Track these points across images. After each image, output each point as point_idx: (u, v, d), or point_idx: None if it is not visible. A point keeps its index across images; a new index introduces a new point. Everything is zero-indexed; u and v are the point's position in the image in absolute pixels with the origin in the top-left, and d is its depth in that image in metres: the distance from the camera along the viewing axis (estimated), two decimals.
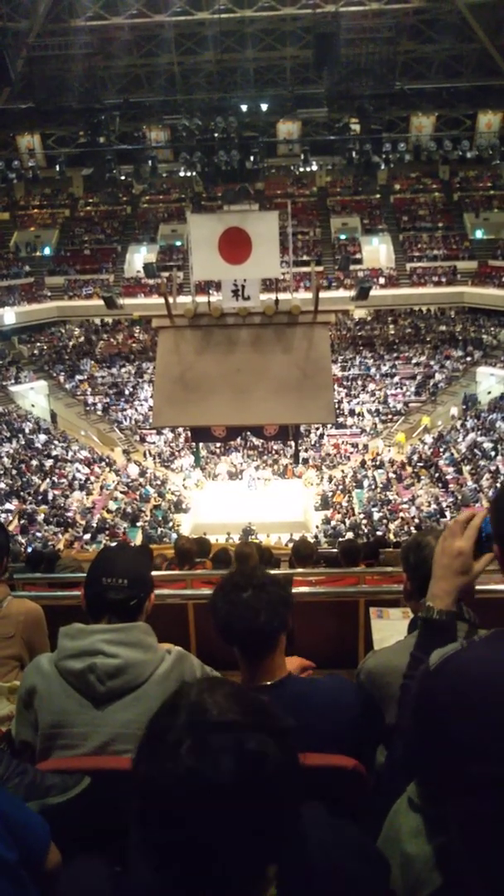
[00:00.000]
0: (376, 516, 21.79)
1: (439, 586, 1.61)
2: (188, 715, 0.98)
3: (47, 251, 36.18)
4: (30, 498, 22.89)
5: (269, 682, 1.99)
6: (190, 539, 8.12)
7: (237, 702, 1.00)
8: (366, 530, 20.50)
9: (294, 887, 1.03)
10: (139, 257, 35.56)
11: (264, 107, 28.99)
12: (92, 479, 25.46)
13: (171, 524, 22.65)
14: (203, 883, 0.93)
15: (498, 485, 21.85)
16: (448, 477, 23.58)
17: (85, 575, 2.25)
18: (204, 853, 0.91)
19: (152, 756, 0.96)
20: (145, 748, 0.99)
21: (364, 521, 21.61)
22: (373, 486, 24.29)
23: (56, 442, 27.39)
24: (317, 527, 22.21)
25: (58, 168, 28.42)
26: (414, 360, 31.61)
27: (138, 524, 22.32)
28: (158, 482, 25.96)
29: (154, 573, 5.59)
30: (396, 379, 30.88)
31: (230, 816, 0.91)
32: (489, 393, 28.15)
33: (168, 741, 0.95)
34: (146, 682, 1.96)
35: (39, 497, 23.11)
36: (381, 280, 32.74)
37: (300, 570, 5.97)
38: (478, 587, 1.70)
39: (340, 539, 16.94)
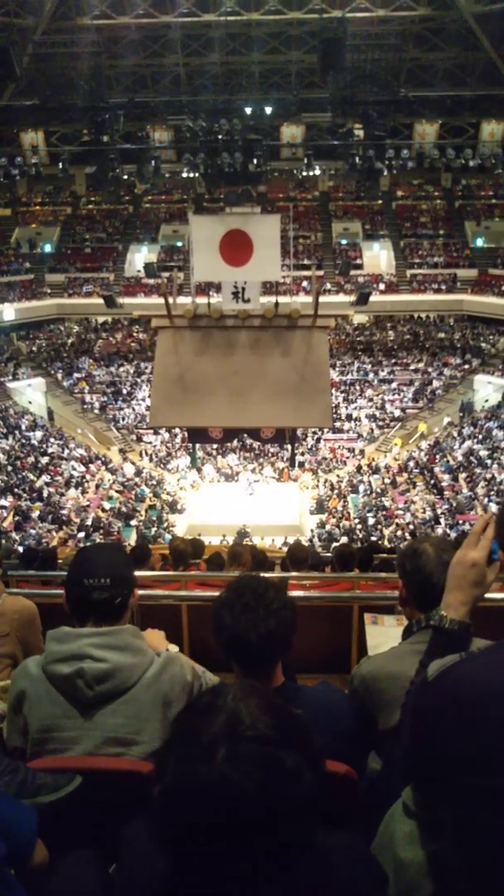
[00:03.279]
0: (371, 522, 21.80)
1: (454, 596, 1.60)
2: (226, 722, 0.98)
3: (48, 248, 36.15)
4: (25, 495, 22.85)
5: None
6: (185, 540, 8.12)
7: (272, 715, 1.01)
8: (360, 535, 20.51)
9: None
10: (140, 257, 35.55)
11: (269, 110, 28.99)
12: (87, 477, 25.43)
13: (165, 524, 22.64)
14: (210, 887, 0.94)
15: (493, 492, 21.90)
16: (444, 484, 23.60)
17: None
18: (218, 859, 0.92)
19: (186, 756, 0.97)
20: (178, 746, 1.00)
21: (359, 527, 21.62)
22: (368, 492, 24.31)
23: (52, 439, 27.34)
24: (311, 531, 22.22)
25: (61, 165, 28.39)
26: (412, 367, 31.66)
27: (133, 524, 22.30)
28: (154, 482, 25.95)
29: (148, 573, 5.59)
30: (394, 385, 30.93)
31: (252, 829, 0.91)
32: (486, 401, 28.20)
33: (202, 744, 0.96)
34: (135, 686, 1.94)
35: (34, 494, 23.07)
36: (381, 286, 32.79)
37: (294, 573, 5.96)
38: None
39: (335, 544, 16.94)
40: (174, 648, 2.43)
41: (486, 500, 21.47)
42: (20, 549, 13.00)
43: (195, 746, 0.97)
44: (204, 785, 0.93)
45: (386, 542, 17.81)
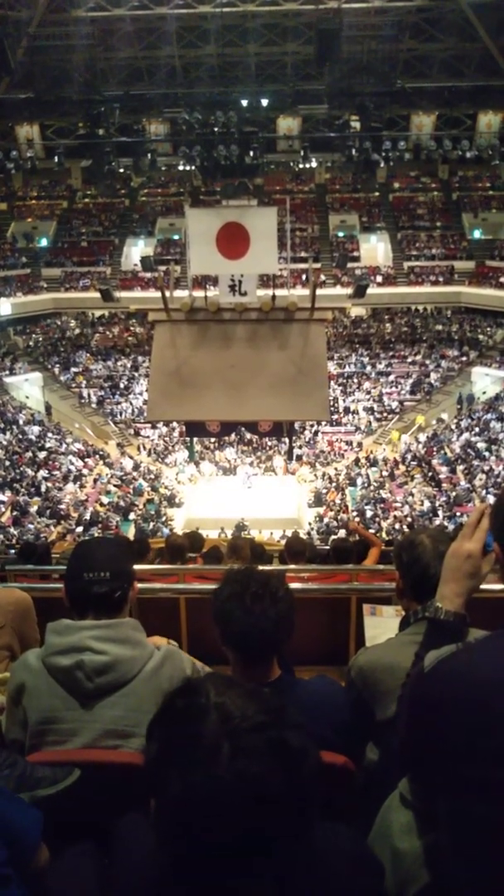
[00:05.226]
0: (369, 514, 21.82)
1: (449, 588, 1.61)
2: (219, 720, 0.97)
3: (44, 242, 36.03)
4: (23, 489, 22.85)
5: (263, 684, 2.00)
6: (182, 535, 8.12)
7: (256, 700, 1.01)
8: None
9: (290, 892, 1.03)
10: (136, 250, 35.43)
11: (265, 102, 28.94)
12: (85, 471, 25.42)
13: (163, 518, 22.65)
14: (211, 881, 0.93)
15: (491, 484, 21.92)
16: (441, 476, 23.63)
17: None
18: (224, 853, 0.92)
19: (190, 764, 0.94)
20: (177, 756, 0.96)
21: (357, 519, 21.64)
22: (366, 484, 24.33)
23: (50, 434, 27.33)
24: (310, 524, 22.24)
25: (56, 159, 28.32)
26: (410, 359, 31.64)
27: (131, 518, 22.31)
28: (152, 476, 25.95)
29: (146, 567, 5.59)
30: (392, 377, 30.91)
31: (280, 814, 0.92)
32: (484, 393, 28.23)
33: (205, 748, 0.94)
34: (134, 679, 1.95)
35: (33, 489, 23.07)
36: (379, 278, 32.74)
37: (292, 566, 5.97)
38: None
39: (333, 537, 16.96)
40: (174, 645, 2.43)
41: (484, 492, 21.51)
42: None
43: (199, 752, 0.94)
44: (223, 787, 0.91)
45: (384, 535, 17.82)
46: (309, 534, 20.25)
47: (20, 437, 26.26)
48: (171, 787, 0.94)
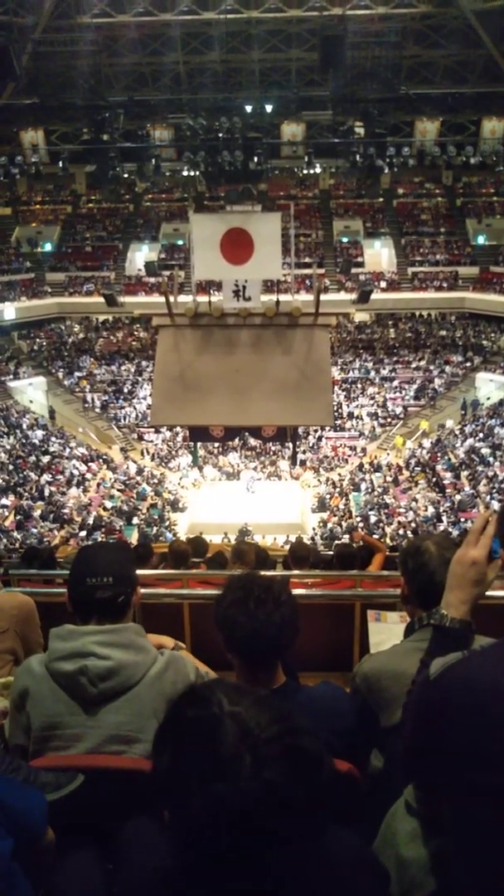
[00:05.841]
0: (373, 520, 21.79)
1: (454, 595, 1.60)
2: (237, 731, 0.95)
3: (48, 247, 36.18)
4: (26, 493, 22.86)
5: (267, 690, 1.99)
6: (186, 540, 8.10)
7: (268, 708, 1.00)
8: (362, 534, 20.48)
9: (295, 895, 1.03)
10: (140, 255, 35.55)
11: (269, 108, 28.95)
12: (89, 476, 25.44)
13: (167, 523, 22.64)
14: (220, 887, 0.93)
15: (495, 490, 21.88)
16: (445, 482, 23.59)
17: None
18: (237, 860, 0.91)
19: (211, 777, 0.92)
20: (196, 768, 0.94)
21: (361, 525, 21.61)
22: (370, 490, 24.30)
23: (53, 438, 27.36)
24: (313, 529, 22.21)
25: (61, 164, 28.41)
26: (414, 365, 31.64)
27: (134, 522, 22.30)
28: (155, 481, 25.96)
29: (149, 572, 5.58)
30: (396, 383, 30.91)
31: (295, 819, 0.92)
32: (488, 398, 28.20)
33: (225, 757, 0.93)
34: (138, 684, 1.94)
35: (36, 493, 23.09)
36: (383, 284, 32.76)
37: (296, 571, 5.95)
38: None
39: (336, 542, 16.93)
40: (182, 647, 2.43)
41: (489, 497, 21.47)
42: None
43: (220, 763, 0.93)
44: (246, 798, 0.91)
45: (388, 541, 17.79)
46: (312, 539, 20.23)
47: (24, 441, 26.30)
48: (192, 800, 0.92)
